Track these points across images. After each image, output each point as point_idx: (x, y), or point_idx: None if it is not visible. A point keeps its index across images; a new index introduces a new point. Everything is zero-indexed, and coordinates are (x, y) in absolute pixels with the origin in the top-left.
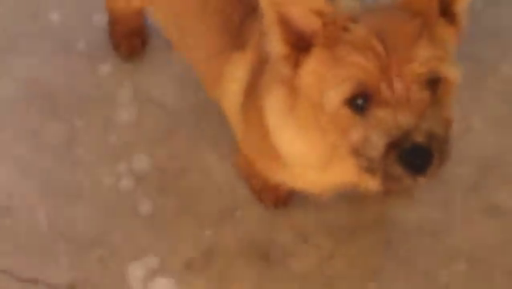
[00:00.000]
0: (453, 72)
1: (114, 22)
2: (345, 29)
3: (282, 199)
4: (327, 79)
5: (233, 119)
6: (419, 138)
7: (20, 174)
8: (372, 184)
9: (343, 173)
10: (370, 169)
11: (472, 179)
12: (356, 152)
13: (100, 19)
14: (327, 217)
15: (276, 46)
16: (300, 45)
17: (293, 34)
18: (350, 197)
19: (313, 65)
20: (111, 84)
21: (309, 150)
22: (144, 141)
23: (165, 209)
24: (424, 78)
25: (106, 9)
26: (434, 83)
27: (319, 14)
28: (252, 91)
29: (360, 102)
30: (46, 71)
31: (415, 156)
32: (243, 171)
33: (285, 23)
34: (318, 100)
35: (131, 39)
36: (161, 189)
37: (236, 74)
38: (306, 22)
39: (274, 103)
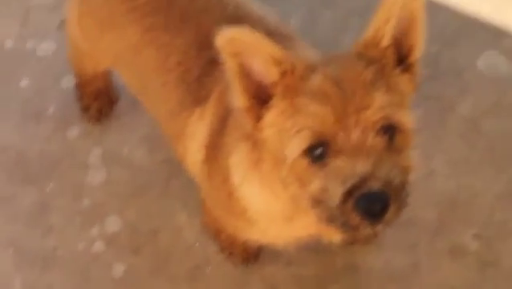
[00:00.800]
0: (408, 119)
1: (82, 85)
2: (303, 78)
3: (251, 255)
4: (286, 130)
5: (197, 176)
6: (375, 185)
7: None
8: (336, 235)
9: (307, 226)
10: (330, 219)
11: (436, 221)
12: (315, 202)
13: (69, 83)
14: (297, 269)
15: (238, 98)
16: (261, 97)
17: (254, 86)
18: (318, 248)
19: (273, 116)
20: (81, 147)
21: (273, 204)
22: (115, 202)
23: (138, 270)
24: (380, 125)
25: (73, 72)
26: (391, 131)
27: (278, 63)
28: (213, 148)
29: (319, 151)
30: (16, 138)
31: (371, 203)
32: (211, 228)
33: (246, 75)
34: (279, 152)
35: (99, 101)
36: (133, 250)
37: (197, 130)
38: (266, 72)
39: (238, 160)
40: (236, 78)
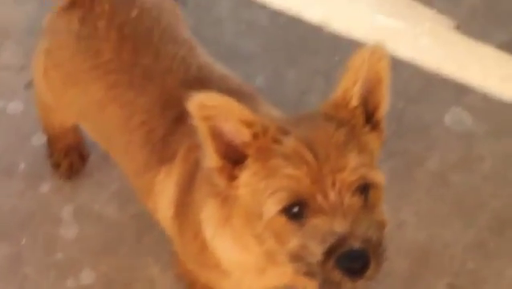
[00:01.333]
0: (379, 177)
1: (52, 142)
2: (276, 141)
3: None
4: (261, 191)
5: (168, 230)
6: (355, 243)
7: None
8: (310, 286)
9: (280, 276)
10: (310, 274)
11: (409, 272)
12: (294, 258)
13: (39, 140)
14: None
15: (210, 158)
16: (234, 157)
17: (226, 147)
18: None
19: (247, 177)
20: (52, 202)
21: (246, 258)
22: (89, 256)
23: None
24: (356, 185)
25: (43, 128)
26: (365, 189)
27: (249, 125)
28: (183, 205)
29: (296, 210)
30: None
31: (352, 261)
32: (184, 280)
33: (218, 136)
34: (254, 210)
35: (70, 158)
36: None
37: (165, 188)
38: (238, 134)
39: (209, 215)
40: (207, 140)
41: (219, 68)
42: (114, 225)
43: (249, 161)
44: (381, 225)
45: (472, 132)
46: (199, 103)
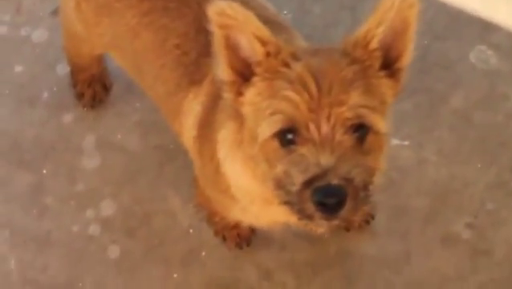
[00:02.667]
0: (381, 124)
1: (76, 72)
2: (285, 64)
3: (244, 239)
4: (261, 110)
5: (190, 151)
6: (334, 179)
7: None
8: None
9: (287, 211)
10: (288, 203)
11: (428, 210)
12: (278, 184)
13: (63, 69)
14: (290, 255)
15: (222, 71)
16: (244, 73)
17: (239, 61)
18: (311, 234)
19: (252, 95)
20: (75, 133)
21: (253, 184)
22: (110, 187)
23: (133, 253)
24: (351, 123)
25: (67, 60)
26: (362, 131)
27: (264, 43)
28: (206, 125)
29: (289, 137)
30: (11, 123)
31: (327, 196)
32: (204, 209)
33: (232, 48)
34: (254, 130)
35: (93, 87)
36: (128, 233)
37: (192, 108)
38: (252, 49)
39: (225, 137)
40: (221, 50)
41: None
42: (135, 156)
43: (256, 80)
44: (371, 171)
45: (496, 70)
46: (219, 9)
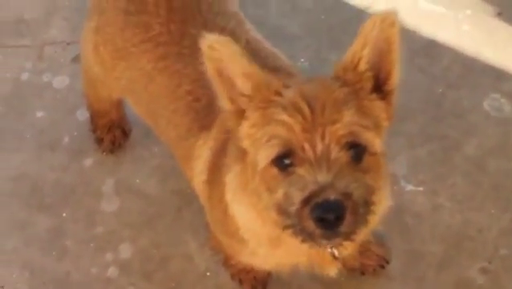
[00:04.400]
0: (376, 142)
1: (96, 117)
2: (277, 93)
3: (260, 282)
4: (258, 140)
5: (201, 197)
6: (332, 195)
7: (10, 266)
8: (330, 266)
9: (295, 252)
10: (289, 227)
11: (442, 255)
12: (280, 209)
13: (83, 115)
14: None
15: (222, 100)
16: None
17: (236, 92)
18: (327, 278)
19: (247, 128)
20: (95, 176)
21: (260, 225)
22: (128, 230)
23: None
24: (345, 140)
25: (87, 105)
26: (358, 149)
27: (249, 77)
28: (215, 169)
29: (287, 162)
30: (32, 167)
31: (325, 211)
32: (217, 251)
33: (226, 80)
34: (254, 162)
35: (113, 132)
36: (146, 276)
37: (202, 153)
38: (240, 83)
39: (231, 179)
40: (215, 81)
41: (267, 46)
42: (154, 201)
43: (249, 112)
44: (370, 188)
45: (510, 118)
46: (209, 43)
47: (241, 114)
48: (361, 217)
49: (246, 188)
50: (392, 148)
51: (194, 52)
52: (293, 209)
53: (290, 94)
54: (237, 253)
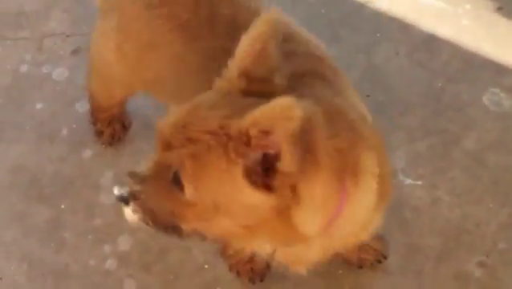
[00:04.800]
0: None
1: (97, 111)
2: None
3: (257, 274)
4: None
5: None
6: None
7: (9, 258)
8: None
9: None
10: None
11: (441, 249)
12: None
13: (83, 107)
14: None
15: None
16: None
17: None
18: (324, 271)
19: None
20: (93, 169)
21: None
22: (127, 222)
23: (148, 287)
24: None
25: (91, 99)
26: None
27: None
28: None
29: None
30: (31, 158)
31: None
32: (218, 243)
33: None
34: None
35: (113, 126)
36: (145, 268)
37: None
38: None
39: None
40: None
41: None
42: None
43: None
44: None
45: (509, 112)
46: None
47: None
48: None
49: None
50: (391, 143)
51: (229, 29)
52: None
53: None
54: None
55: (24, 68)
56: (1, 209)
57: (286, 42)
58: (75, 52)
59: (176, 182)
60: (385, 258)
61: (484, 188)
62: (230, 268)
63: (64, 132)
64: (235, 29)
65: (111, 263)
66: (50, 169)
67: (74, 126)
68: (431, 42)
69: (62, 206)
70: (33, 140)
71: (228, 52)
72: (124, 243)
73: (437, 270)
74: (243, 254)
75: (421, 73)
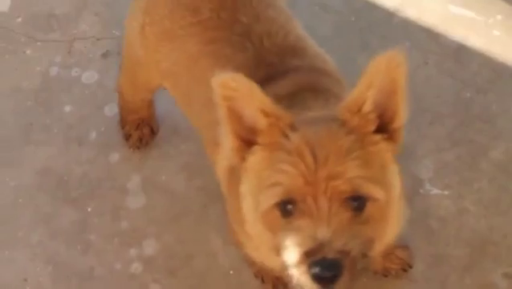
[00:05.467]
0: (380, 193)
1: (125, 113)
2: (284, 135)
3: (281, 281)
4: (262, 179)
5: (221, 183)
6: (330, 254)
7: (34, 259)
8: None
9: None
10: (287, 268)
11: (466, 259)
12: (278, 252)
13: (111, 110)
14: None
15: (227, 138)
16: (249, 139)
17: (243, 129)
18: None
19: (253, 163)
20: (121, 172)
21: (261, 231)
22: (153, 226)
23: None
24: (347, 195)
25: (120, 98)
26: (360, 201)
27: (267, 114)
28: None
29: (290, 207)
30: (59, 161)
31: (323, 269)
32: (238, 246)
33: (236, 117)
34: (255, 197)
35: (141, 130)
36: (170, 273)
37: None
38: (255, 119)
39: (251, 166)
40: (225, 120)
41: (314, 44)
42: (179, 197)
43: (257, 148)
44: (369, 241)
45: None
46: (223, 82)
47: (245, 150)
48: (358, 271)
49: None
50: (418, 152)
51: (243, 40)
52: (290, 258)
53: (296, 139)
54: (244, 245)
55: (54, 71)
56: (28, 211)
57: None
58: (104, 55)
59: (360, 207)
60: (410, 267)
61: (510, 199)
62: (255, 275)
63: (92, 135)
64: (247, 38)
65: (136, 267)
66: (77, 172)
67: (102, 129)
68: (461, 52)
69: (89, 209)
70: (61, 143)
71: (237, 65)
72: (150, 247)
73: (462, 280)
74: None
75: (450, 83)
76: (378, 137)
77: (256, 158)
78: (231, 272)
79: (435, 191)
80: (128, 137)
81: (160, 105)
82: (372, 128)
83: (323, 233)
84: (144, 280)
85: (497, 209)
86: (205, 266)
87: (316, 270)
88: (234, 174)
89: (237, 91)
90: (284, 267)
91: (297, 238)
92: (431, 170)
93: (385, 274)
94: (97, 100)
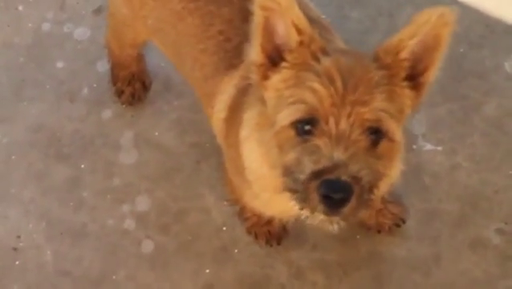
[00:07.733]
0: (397, 131)
1: (116, 69)
2: (315, 57)
3: (274, 236)
4: (283, 97)
5: (218, 135)
6: (343, 175)
7: (27, 216)
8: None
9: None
10: (292, 191)
11: (458, 215)
12: (287, 171)
13: (103, 67)
14: (321, 254)
15: (254, 52)
16: (274, 58)
17: (272, 45)
18: (342, 235)
19: (277, 81)
20: (113, 129)
21: (265, 169)
22: (146, 183)
23: (166, 248)
24: (369, 125)
25: (109, 54)
26: (377, 135)
27: (300, 31)
28: (235, 107)
29: (307, 128)
30: (51, 117)
31: (334, 190)
32: (233, 200)
33: (268, 32)
34: (272, 116)
35: (133, 85)
36: (162, 229)
37: (225, 90)
38: (287, 36)
39: (249, 118)
40: (258, 31)
41: None
42: (172, 154)
43: (284, 66)
44: (379, 175)
45: None
46: None
47: (269, 68)
48: (363, 202)
49: (261, 130)
50: None
51: (240, 26)
52: (301, 177)
53: (326, 62)
54: (243, 196)
55: (46, 27)
56: (20, 168)
57: None
58: (96, 12)
59: (376, 142)
60: (404, 222)
61: (503, 155)
62: (248, 230)
63: (85, 91)
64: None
65: (129, 223)
66: (69, 129)
67: (94, 85)
68: (453, 7)
69: (82, 166)
70: (53, 99)
71: (223, 21)
72: (143, 204)
73: (455, 235)
74: (260, 217)
75: None
76: (405, 83)
77: (281, 76)
78: (224, 228)
79: (428, 146)
80: (120, 94)
81: (153, 60)
82: (403, 74)
83: (340, 154)
84: (136, 236)
85: (490, 164)
86: (198, 222)
87: (327, 189)
88: (231, 124)
89: (277, 2)
90: (287, 206)
91: (313, 157)
92: (424, 125)
93: (379, 229)
94: (89, 56)
